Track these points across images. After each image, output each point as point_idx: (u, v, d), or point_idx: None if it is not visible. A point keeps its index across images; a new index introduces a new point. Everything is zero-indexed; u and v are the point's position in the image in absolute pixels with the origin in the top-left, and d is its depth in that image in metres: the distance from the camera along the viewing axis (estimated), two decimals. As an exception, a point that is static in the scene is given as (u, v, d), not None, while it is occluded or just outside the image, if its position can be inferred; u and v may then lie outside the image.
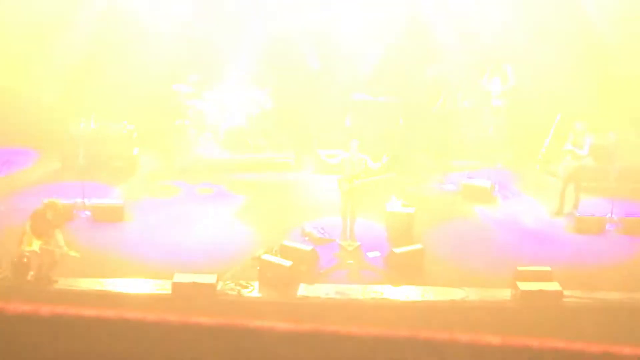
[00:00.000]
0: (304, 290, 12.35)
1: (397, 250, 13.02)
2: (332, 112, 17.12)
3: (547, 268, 12.31)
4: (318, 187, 15.90)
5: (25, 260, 11.85)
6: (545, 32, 16.29)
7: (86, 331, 2.08)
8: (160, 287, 12.18)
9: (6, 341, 1.99)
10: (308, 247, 13.02)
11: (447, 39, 16.95)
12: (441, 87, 17.28)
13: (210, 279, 11.92)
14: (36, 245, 11.52)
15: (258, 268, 12.40)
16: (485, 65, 16.70)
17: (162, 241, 13.32)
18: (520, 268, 12.18)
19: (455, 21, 16.97)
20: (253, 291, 12.26)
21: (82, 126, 15.82)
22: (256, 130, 17.01)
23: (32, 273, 11.64)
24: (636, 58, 16.64)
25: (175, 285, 11.81)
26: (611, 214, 13.94)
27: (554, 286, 11.94)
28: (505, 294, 12.18)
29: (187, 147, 16.72)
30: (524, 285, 11.88)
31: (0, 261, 12.01)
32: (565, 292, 11.84)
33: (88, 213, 13.67)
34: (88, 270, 12.16)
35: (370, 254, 13.49)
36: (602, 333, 10.81)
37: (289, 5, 17.06)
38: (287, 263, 12.40)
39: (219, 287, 11.93)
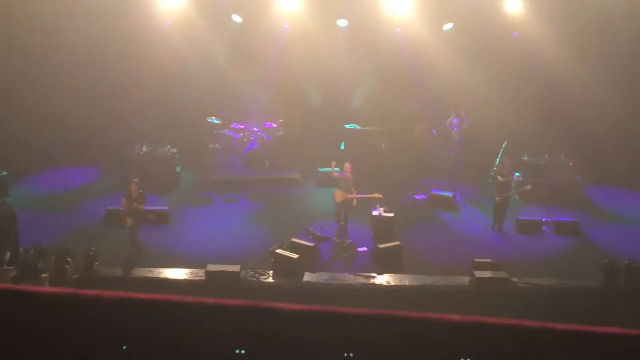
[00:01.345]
0: (308, 277, 14.48)
1: (381, 246, 15.20)
2: (329, 139, 19.47)
3: (498, 261, 14.49)
4: (318, 198, 18.07)
5: (128, 231, 14.52)
6: (493, 79, 18.65)
7: (139, 310, 2.84)
8: (196, 275, 14.20)
9: (81, 323, 2.80)
10: (311, 244, 15.05)
11: (418, 82, 19.24)
12: (414, 119, 19.54)
13: (235, 268, 13.97)
14: (129, 222, 14.35)
15: (272, 260, 14.47)
16: (449, 105, 18.64)
17: (197, 239, 15.64)
18: (476, 260, 14.44)
19: (424, 69, 19.24)
20: (268, 278, 14.37)
21: (137, 149, 18.44)
22: (270, 153, 19.36)
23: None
24: (560, 96, 18.99)
25: (208, 273, 13.91)
26: (546, 218, 16.40)
27: (502, 274, 14.14)
28: (464, 280, 14.37)
29: (217, 166, 19.09)
30: (479, 274, 14.12)
31: (74, 256, 14.07)
32: (512, 279, 14.14)
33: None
34: (141, 261, 14.66)
35: (360, 249, 15.72)
36: (540, 311, 12.84)
37: (296, 54, 18.91)
38: (295, 256, 14.45)
39: (241, 275, 14.07)
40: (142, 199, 14.73)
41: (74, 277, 14.11)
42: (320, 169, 18.43)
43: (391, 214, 16.03)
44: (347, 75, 19.31)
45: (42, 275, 13.75)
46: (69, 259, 14.46)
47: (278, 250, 14.65)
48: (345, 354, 2.82)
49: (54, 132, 18.83)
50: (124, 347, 2.99)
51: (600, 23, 18.57)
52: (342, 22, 19.39)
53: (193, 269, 14.43)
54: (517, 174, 17.61)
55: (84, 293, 3.10)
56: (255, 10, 18.73)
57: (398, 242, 15.30)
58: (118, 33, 18.88)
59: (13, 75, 18.90)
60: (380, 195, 16.06)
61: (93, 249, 14.17)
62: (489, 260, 14.69)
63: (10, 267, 13.30)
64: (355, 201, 16.11)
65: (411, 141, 19.44)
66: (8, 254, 13.32)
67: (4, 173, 16.95)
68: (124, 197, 14.60)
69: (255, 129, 19.23)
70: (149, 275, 14.42)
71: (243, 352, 3.18)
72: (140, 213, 14.43)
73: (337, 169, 15.85)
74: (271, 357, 2.79)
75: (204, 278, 14.12)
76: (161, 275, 14.47)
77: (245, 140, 19.08)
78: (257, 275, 14.54)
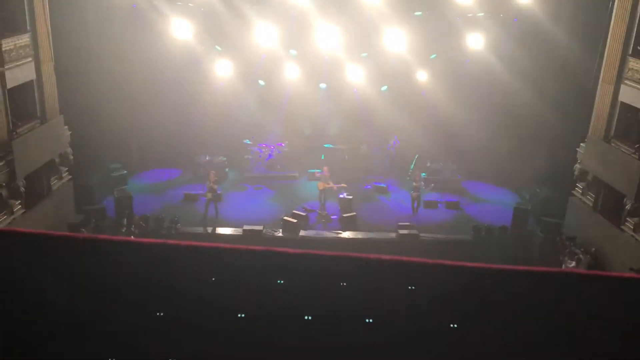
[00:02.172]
0: (302, 233, 19.06)
1: (344, 215, 19.90)
2: (316, 153, 24.00)
3: (412, 223, 19.44)
4: (308, 187, 22.30)
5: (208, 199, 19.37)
6: (410, 117, 22.69)
7: (197, 256, 3.62)
8: (236, 231, 18.90)
9: (144, 270, 3.37)
10: (304, 214, 19.61)
11: (365, 120, 23.88)
12: (362, 141, 24.20)
13: (259, 227, 18.64)
14: (209, 196, 19.55)
15: (282, 223, 18.96)
16: (387, 133, 23.41)
17: (238, 211, 20.41)
18: (399, 223, 19.34)
19: (368, 112, 23.45)
20: (279, 233, 18.92)
21: (202, 157, 23.30)
22: (280, 161, 23.89)
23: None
24: (446, 124, 22.57)
25: (244, 231, 18.57)
26: (440, 199, 21.70)
27: (414, 232, 18.92)
28: (392, 235, 19.13)
29: (249, 168, 23.60)
30: (402, 231, 18.94)
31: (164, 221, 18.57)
32: (420, 234, 18.93)
33: (204, 198, 20.09)
34: (214, 221, 19.46)
35: (332, 217, 20.30)
36: (437, 254, 14.63)
37: (295, 105, 23.17)
38: (295, 220, 19.01)
39: (263, 232, 18.57)
40: (216, 183, 19.99)
41: (162, 232, 18.33)
42: (310, 170, 22.72)
43: (350, 197, 20.60)
44: (325, 115, 24.28)
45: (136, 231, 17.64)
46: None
47: (285, 217, 19.26)
48: (367, 320, 3.14)
49: (151, 143, 22.91)
50: (178, 284, 3.28)
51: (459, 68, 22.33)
52: (322, 85, 23.95)
53: (235, 228, 19.01)
54: (424, 174, 22.73)
55: (148, 242, 3.61)
56: (271, 76, 23.21)
57: (354, 213, 20.01)
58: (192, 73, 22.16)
59: (133, 103, 22.04)
60: (345, 185, 20.66)
61: (176, 217, 19.22)
62: (407, 223, 19.46)
63: (124, 229, 17.98)
64: (332, 188, 20.42)
65: (361, 154, 24.18)
66: (125, 220, 18.50)
67: (125, 172, 22.57)
68: (207, 181, 19.85)
69: (272, 147, 23.67)
70: (209, 232, 19.14)
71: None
72: (215, 191, 20.15)
73: (320, 170, 21.00)
74: (278, 278, 3.29)
75: (241, 233, 18.70)
76: (217, 232, 19.14)
77: (266, 153, 23.63)
78: (272, 232, 19.06)
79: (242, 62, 22.11)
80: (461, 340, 3.34)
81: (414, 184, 20.00)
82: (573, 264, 17.21)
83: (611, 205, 18.13)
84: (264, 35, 21.46)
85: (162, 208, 20.23)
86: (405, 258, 3.66)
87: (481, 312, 3.39)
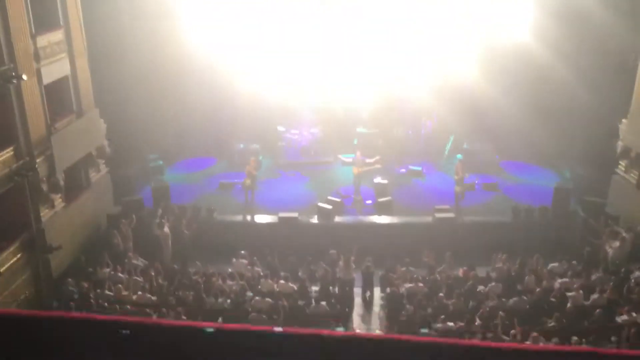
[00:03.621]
0: (337, 219, 19.13)
1: (380, 199, 19.62)
2: (348, 137, 23.89)
3: (449, 207, 19.14)
4: (343, 172, 22.19)
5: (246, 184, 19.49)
6: (444, 96, 22.31)
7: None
8: (273, 219, 19.07)
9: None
10: (338, 199, 19.61)
11: (401, 100, 23.77)
12: (397, 123, 24.20)
13: (294, 215, 18.84)
14: (247, 182, 19.50)
15: (317, 209, 19.03)
16: (419, 112, 23.47)
17: (274, 198, 20.51)
18: (436, 207, 19.03)
19: (400, 94, 23.53)
20: (314, 219, 19.03)
21: (237, 146, 23.63)
22: (314, 147, 23.93)
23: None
24: (482, 105, 22.13)
25: (279, 218, 18.78)
26: (478, 181, 21.10)
27: (451, 215, 18.77)
28: (429, 219, 18.97)
29: (283, 155, 23.78)
30: (438, 215, 18.76)
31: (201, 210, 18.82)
32: (457, 218, 18.76)
33: (239, 186, 20.42)
34: (240, 210, 19.82)
35: (367, 202, 20.05)
36: (474, 237, 18.05)
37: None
38: (329, 207, 19.00)
39: (298, 219, 18.82)
40: (256, 169, 20.12)
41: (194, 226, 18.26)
42: (344, 155, 22.20)
43: (386, 181, 20.44)
44: (358, 99, 23.87)
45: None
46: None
47: (319, 204, 19.33)
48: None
49: (186, 133, 23.23)
50: None
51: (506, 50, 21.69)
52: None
53: (271, 215, 19.19)
54: (459, 156, 22.51)
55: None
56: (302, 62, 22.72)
57: (390, 197, 19.81)
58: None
59: (166, 93, 22.32)
60: (379, 165, 20.31)
61: (213, 206, 19.40)
62: (443, 207, 19.17)
63: (160, 220, 17.62)
64: (368, 168, 20.29)
65: (394, 137, 24.22)
66: (160, 210, 18.36)
67: (161, 162, 22.99)
68: (247, 167, 19.94)
69: (305, 133, 23.83)
70: (248, 220, 19.27)
71: None
72: (254, 176, 20.12)
73: (353, 155, 20.81)
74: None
75: (277, 221, 18.86)
76: (254, 220, 19.30)
77: (299, 139, 23.75)
78: (307, 218, 19.22)
79: (274, 51, 22.21)
80: None
81: (456, 177, 19.47)
82: (617, 243, 16.85)
83: (656, 183, 17.56)
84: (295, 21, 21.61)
85: (198, 197, 20.54)
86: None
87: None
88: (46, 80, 16.18)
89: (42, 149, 16.11)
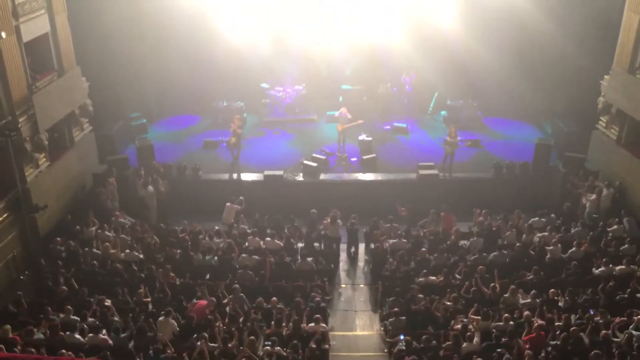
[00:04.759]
0: (322, 176, 18.99)
1: (364, 157, 19.71)
2: (333, 94, 23.88)
3: (432, 163, 18.89)
4: (327, 129, 22.35)
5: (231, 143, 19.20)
6: (426, 53, 22.12)
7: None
8: (258, 177, 18.95)
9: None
10: (323, 157, 19.60)
11: (384, 57, 23.32)
12: (382, 80, 23.79)
13: (280, 172, 18.54)
14: (232, 140, 19.33)
15: (302, 167, 18.87)
16: (402, 69, 23.01)
17: (259, 155, 20.29)
18: (420, 164, 18.86)
19: (385, 50, 22.93)
20: (299, 177, 18.84)
21: (220, 104, 23.18)
22: (299, 104, 23.58)
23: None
24: (465, 63, 22.09)
25: (265, 176, 18.51)
26: (461, 138, 19.94)
27: (435, 172, 18.48)
28: (413, 176, 18.82)
29: (268, 112, 23.51)
30: (422, 171, 18.53)
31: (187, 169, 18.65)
32: (439, 174, 18.56)
33: (224, 144, 20.46)
34: (225, 168, 19.56)
35: (351, 160, 20.05)
36: (457, 191, 18.13)
37: (312, 48, 22.73)
38: (314, 164, 18.92)
39: (284, 176, 18.54)
40: (240, 127, 19.71)
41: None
42: (329, 112, 23.01)
43: (370, 138, 20.36)
44: (342, 56, 23.66)
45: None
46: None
47: (305, 161, 19.31)
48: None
49: (169, 91, 23.08)
50: None
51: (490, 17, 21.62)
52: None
53: (257, 173, 19.09)
54: (444, 112, 23.03)
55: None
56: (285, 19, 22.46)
57: (374, 155, 19.87)
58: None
59: (148, 51, 22.34)
60: (361, 121, 20.15)
61: (198, 164, 19.22)
62: (428, 163, 19.05)
63: (144, 179, 17.55)
64: (351, 125, 20.04)
65: (379, 94, 24.01)
66: (143, 170, 18.19)
67: (145, 120, 22.75)
68: (231, 125, 19.59)
69: (289, 90, 23.49)
70: (234, 178, 19.08)
71: None
72: (240, 135, 19.92)
73: (338, 112, 20.54)
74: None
75: (263, 178, 18.67)
76: (241, 178, 19.08)
77: (283, 96, 23.45)
78: (292, 176, 19.10)
79: (256, 7, 22.00)
80: None
81: (448, 138, 19.02)
82: (593, 196, 17.22)
83: (635, 138, 18.05)
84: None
85: (183, 156, 20.50)
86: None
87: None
88: (25, 37, 15.86)
89: (25, 109, 15.90)
